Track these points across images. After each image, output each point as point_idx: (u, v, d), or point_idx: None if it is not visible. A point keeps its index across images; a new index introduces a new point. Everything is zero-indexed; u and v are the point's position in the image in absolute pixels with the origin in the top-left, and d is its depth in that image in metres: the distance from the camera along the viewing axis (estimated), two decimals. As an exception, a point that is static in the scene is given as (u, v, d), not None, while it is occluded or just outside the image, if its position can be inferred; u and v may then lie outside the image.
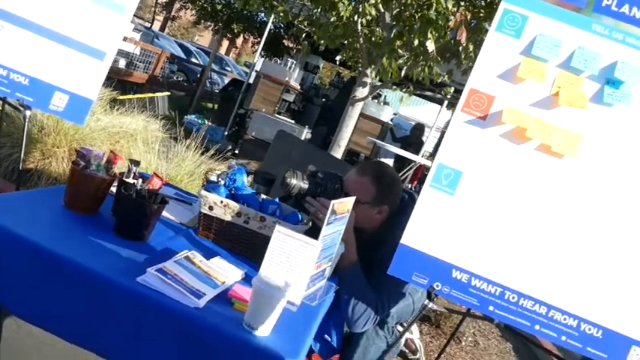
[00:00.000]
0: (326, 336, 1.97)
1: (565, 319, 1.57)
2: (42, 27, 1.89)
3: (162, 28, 21.05)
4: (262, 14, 10.73)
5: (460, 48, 3.67)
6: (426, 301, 1.68)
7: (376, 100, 9.45)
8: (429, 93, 5.41)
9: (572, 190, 1.59)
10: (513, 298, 1.59)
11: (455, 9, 3.55)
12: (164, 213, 1.69)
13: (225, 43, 23.89)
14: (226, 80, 13.76)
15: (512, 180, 1.62)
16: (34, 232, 1.31)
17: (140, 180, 1.54)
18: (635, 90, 1.58)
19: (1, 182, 2.87)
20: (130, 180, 1.54)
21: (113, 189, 1.59)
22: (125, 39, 9.36)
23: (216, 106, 11.14)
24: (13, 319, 1.63)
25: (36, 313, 1.30)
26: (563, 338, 1.58)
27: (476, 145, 1.65)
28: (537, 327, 1.58)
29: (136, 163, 1.61)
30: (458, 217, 1.62)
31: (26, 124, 1.95)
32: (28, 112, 1.90)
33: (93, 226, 1.48)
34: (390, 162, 8.18)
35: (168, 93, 8.75)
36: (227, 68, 17.82)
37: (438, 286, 1.62)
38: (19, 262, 1.28)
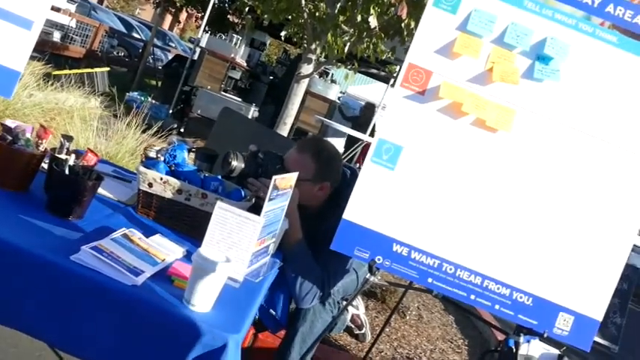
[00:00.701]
0: (271, 311, 1.99)
1: (498, 289, 1.65)
2: (-40, -7, 1.76)
3: (100, 1, 20.07)
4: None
5: (402, 25, 3.70)
6: (368, 275, 1.72)
7: (323, 79, 9.44)
8: (374, 70, 5.45)
9: (506, 163, 1.66)
10: (450, 269, 1.65)
11: (397, -15, 3.58)
12: (101, 190, 1.63)
13: (169, 18, 23.07)
14: (170, 56, 13.32)
15: (450, 154, 1.67)
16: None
17: (73, 156, 1.48)
18: (564, 66, 1.65)
19: None
20: (63, 156, 1.48)
21: (45, 165, 1.52)
22: (59, 10, 8.86)
23: (159, 83, 10.80)
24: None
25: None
26: (497, 307, 1.66)
27: (415, 120, 1.68)
28: (473, 297, 1.65)
29: (69, 138, 1.55)
30: (398, 192, 1.66)
31: (-54, 97, 1.82)
32: (-52, 85, 1.77)
33: (23, 204, 1.42)
34: (340, 141, 8.23)
35: (108, 68, 8.40)
36: (170, 44, 17.24)
37: (379, 259, 1.66)
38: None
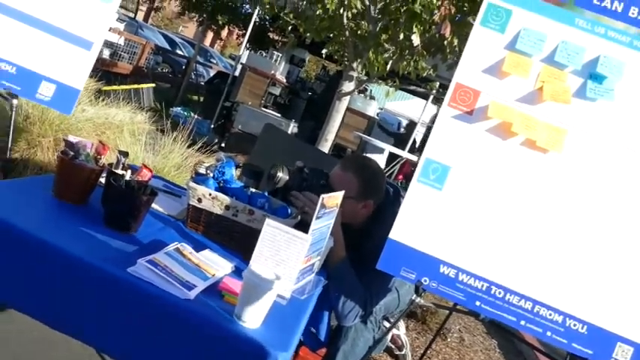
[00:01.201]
0: (312, 329, 1.99)
1: (550, 315, 1.60)
2: (30, 16, 1.87)
3: (145, 19, 20.79)
4: (247, 6, 10.68)
5: (445, 42, 3.69)
6: (414, 296, 1.71)
7: (362, 95, 9.47)
8: (414, 87, 5.44)
9: (558, 185, 1.62)
10: (500, 293, 1.62)
11: (439, 3, 3.57)
12: (153, 205, 1.68)
13: (210, 35, 23.66)
14: (211, 72, 13.65)
15: (499, 175, 1.65)
16: (23, 220, 1.30)
17: (129, 171, 1.54)
18: (618, 85, 1.62)
19: (-14, 172, 2.84)
20: (119, 171, 1.54)
21: (102, 180, 1.58)
22: (109, 29, 9.23)
23: (201, 98, 11.06)
24: None
25: (22, 301, 1.30)
26: (549, 334, 1.61)
27: (463, 139, 1.67)
28: (523, 322, 1.61)
29: (125, 154, 1.61)
30: (446, 212, 1.64)
31: (13, 113, 1.93)
32: (15, 101, 1.88)
33: (82, 217, 1.48)
34: (379, 157, 8.22)
35: (153, 84, 8.67)
36: (212, 60, 17.67)
37: (425, 281, 1.65)
38: (7, 250, 1.27)
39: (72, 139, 1.49)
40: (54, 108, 2.01)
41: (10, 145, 2.03)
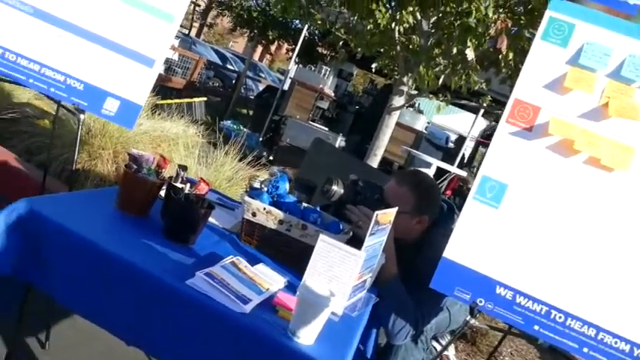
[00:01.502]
0: (360, 346, 1.97)
1: (616, 343, 1.51)
2: (97, 35, 1.96)
3: (198, 34, 21.47)
4: (297, 21, 10.85)
5: (500, 56, 3.62)
6: (468, 317, 1.66)
7: (411, 109, 9.41)
8: (465, 101, 5.35)
9: (623, 205, 1.55)
10: (560, 317, 1.55)
11: (495, 16, 3.52)
12: (209, 218, 1.72)
13: (259, 50, 24.15)
14: (260, 86, 13.92)
15: (560, 194, 1.59)
16: (88, 231, 1.36)
17: (188, 184, 1.58)
18: (692, 103, 1.54)
19: (52, 182, 2.98)
20: (179, 184, 1.58)
21: (162, 192, 1.63)
22: (166, 45, 9.56)
23: (250, 112, 11.28)
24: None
25: (85, 306, 1.35)
26: (614, 363, 1.52)
27: (521, 157, 1.62)
28: (586, 350, 1.53)
29: (184, 168, 1.65)
30: (503, 232, 1.60)
31: (80, 127, 2.02)
32: (82, 116, 1.98)
33: (143, 228, 1.53)
34: (427, 172, 8.11)
35: (205, 98, 8.91)
36: (261, 74, 18.03)
37: (481, 302, 1.60)
38: (72, 259, 1.34)
39: (135, 152, 1.55)
40: (117, 123, 2.10)
41: (75, 158, 2.12)
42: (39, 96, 3.88)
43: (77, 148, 2.06)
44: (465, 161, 10.76)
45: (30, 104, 4.06)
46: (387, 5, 4.23)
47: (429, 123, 12.90)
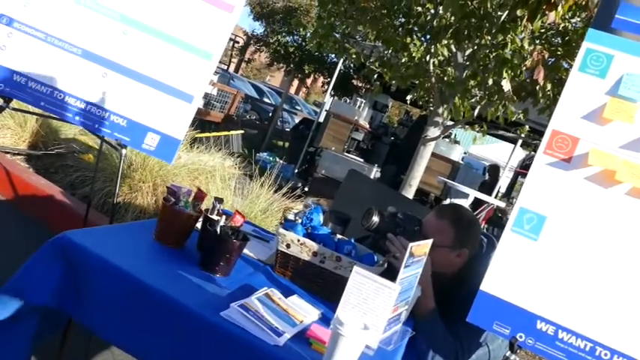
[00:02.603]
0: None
1: (666, 381, 1.44)
2: (139, 73, 2.06)
3: (236, 70, 22.09)
4: (333, 55, 11.04)
5: (537, 87, 3.58)
6: (508, 353, 1.61)
7: (447, 139, 9.35)
8: (502, 132, 5.29)
9: (670, 238, 1.49)
10: (606, 355, 1.48)
11: (531, 47, 3.50)
12: (244, 249, 1.74)
13: (295, 83, 24.62)
14: (296, 119, 14.13)
15: (601, 225, 1.54)
16: (126, 262, 1.39)
17: (224, 217, 1.61)
18: None
19: (94, 214, 3.09)
20: (215, 217, 1.61)
21: (198, 224, 1.66)
22: (205, 81, 9.88)
23: (286, 144, 11.43)
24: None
25: (122, 338, 1.37)
26: (662, 402, 1.44)
27: (560, 188, 1.59)
28: (634, 389, 1.46)
29: (220, 200, 1.69)
30: (542, 264, 1.55)
31: (122, 161, 2.10)
32: (124, 151, 2.06)
33: (179, 260, 1.56)
34: (463, 202, 7.99)
35: (242, 131, 9.10)
36: (297, 107, 18.32)
37: (521, 337, 1.55)
38: (109, 290, 1.37)
39: (174, 186, 1.59)
40: (158, 157, 2.17)
41: (117, 192, 2.20)
42: (84, 131, 4.05)
43: (118, 183, 2.13)
44: (504, 192, 10.54)
45: (76, 139, 4.25)
46: (422, 39, 4.27)
47: (465, 153, 12.78)
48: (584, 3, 2.66)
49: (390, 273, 1.53)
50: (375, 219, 1.85)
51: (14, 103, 2.15)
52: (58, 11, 2.00)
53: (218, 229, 1.54)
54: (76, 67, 2.03)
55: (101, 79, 2.03)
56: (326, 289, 1.71)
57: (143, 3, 2.05)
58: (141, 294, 1.34)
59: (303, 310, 1.50)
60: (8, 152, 3.76)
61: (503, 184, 10.42)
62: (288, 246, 1.74)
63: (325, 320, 1.50)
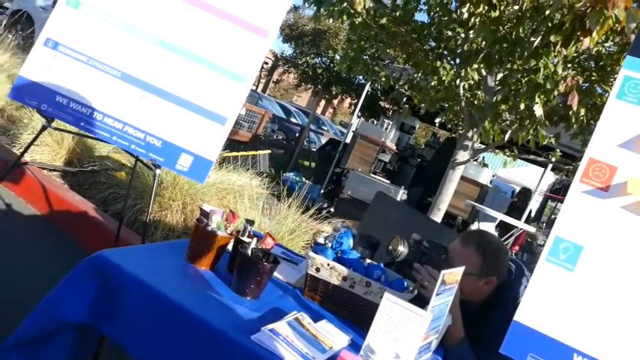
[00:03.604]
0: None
1: None
2: (175, 95, 2.11)
3: (264, 90, 22.41)
4: (361, 77, 11.11)
5: (570, 112, 3.53)
6: (542, 385, 1.56)
7: (475, 162, 9.25)
8: (534, 157, 5.21)
9: None
10: (645, 391, 1.43)
11: (564, 73, 3.46)
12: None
13: (322, 103, 24.82)
14: (323, 139, 14.20)
15: (641, 257, 1.50)
16: (159, 282, 1.41)
17: (255, 239, 1.62)
18: None
19: (125, 231, 3.15)
20: (246, 239, 1.62)
21: (229, 246, 1.68)
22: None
23: (312, 164, 11.49)
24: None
25: (152, 356, 1.38)
26: None
27: (597, 217, 1.55)
28: None
29: (251, 222, 1.70)
30: (579, 296, 1.51)
31: (155, 180, 2.14)
32: (158, 171, 2.10)
33: (211, 281, 1.57)
34: (491, 226, 7.86)
35: (269, 151, 9.19)
36: (323, 127, 18.43)
37: (556, 369, 1.50)
38: (143, 308, 1.38)
39: (206, 207, 1.61)
40: (190, 177, 2.21)
41: (149, 210, 2.24)
42: (117, 149, 4.15)
43: (152, 202, 2.17)
44: (533, 216, 10.34)
45: (109, 157, 4.35)
46: (452, 62, 4.27)
47: (493, 176, 12.61)
48: (619, 29, 2.62)
49: (420, 301, 1.51)
50: (401, 249, 1.84)
51: (54, 122, 2.23)
52: (99, 35, 2.08)
53: (249, 252, 1.55)
54: (115, 89, 2.09)
55: (139, 100, 2.09)
56: (355, 314, 1.70)
57: (181, 28, 2.11)
58: (172, 314, 1.35)
59: (333, 336, 1.49)
60: (45, 168, 3.87)
61: (533, 207, 10.22)
62: (317, 270, 1.73)
63: (355, 346, 1.48)
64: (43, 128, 2.17)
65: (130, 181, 3.07)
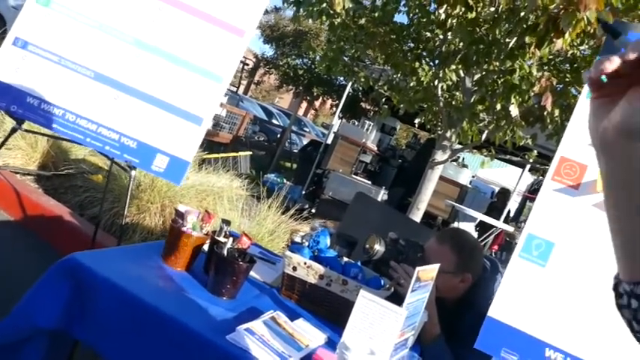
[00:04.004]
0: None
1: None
2: (150, 96, 2.09)
3: (245, 91, 22.34)
4: (342, 78, 11.15)
5: (545, 113, 3.59)
6: (516, 380, 1.59)
7: (455, 163, 9.34)
8: (510, 157, 5.29)
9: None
10: (615, 383, 1.46)
11: (539, 74, 3.52)
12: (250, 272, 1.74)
13: (304, 105, 24.82)
14: (304, 140, 14.21)
15: (610, 252, 1.53)
16: (133, 284, 1.39)
17: (231, 239, 1.61)
18: None
19: (102, 235, 3.10)
20: (222, 239, 1.61)
21: (205, 247, 1.67)
22: (214, 103, 9.99)
23: (294, 165, 11.48)
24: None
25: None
26: None
27: (568, 215, 1.59)
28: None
29: (227, 222, 1.69)
30: (551, 291, 1.54)
31: (131, 183, 2.12)
32: (133, 172, 2.07)
33: (187, 282, 1.56)
34: (470, 226, 7.94)
35: (250, 152, 9.15)
36: (305, 129, 18.43)
37: (529, 364, 1.53)
38: (117, 311, 1.36)
39: (182, 208, 1.60)
40: (166, 179, 2.19)
41: (125, 213, 2.21)
42: (93, 152, 4.10)
43: (127, 204, 2.15)
44: (512, 216, 10.48)
45: (85, 160, 4.29)
46: (430, 63, 4.31)
47: (473, 177, 12.74)
48: (592, 31, 2.68)
49: (396, 300, 1.52)
50: (378, 247, 1.84)
51: (26, 125, 2.18)
52: (71, 34, 2.05)
53: (225, 252, 1.54)
54: (88, 90, 2.06)
55: (113, 101, 2.06)
56: (332, 312, 1.70)
57: (156, 27, 2.09)
58: (146, 316, 1.33)
59: (309, 334, 1.49)
60: (18, 172, 3.80)
61: (512, 208, 10.36)
62: (294, 269, 1.73)
63: (331, 344, 1.49)
64: (13, 130, 2.12)
65: (106, 183, 3.04)
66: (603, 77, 0.55)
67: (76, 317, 1.38)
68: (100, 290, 1.37)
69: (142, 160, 2.07)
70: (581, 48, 3.76)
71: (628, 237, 0.61)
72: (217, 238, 1.63)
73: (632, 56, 0.53)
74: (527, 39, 2.97)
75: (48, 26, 2.01)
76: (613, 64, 0.54)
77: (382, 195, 8.18)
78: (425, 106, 4.59)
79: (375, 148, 9.90)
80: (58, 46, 2.03)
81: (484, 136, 4.18)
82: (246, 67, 17.11)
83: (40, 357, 1.43)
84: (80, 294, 1.38)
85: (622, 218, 0.61)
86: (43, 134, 3.08)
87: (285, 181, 8.41)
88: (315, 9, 3.86)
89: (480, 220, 7.82)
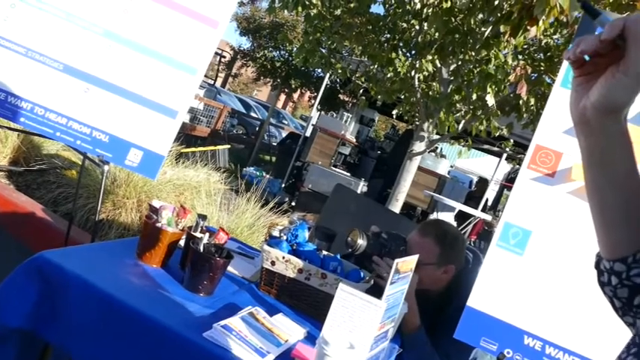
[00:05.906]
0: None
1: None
2: (121, 88, 2.03)
3: (223, 84, 22.11)
4: (320, 70, 11.09)
5: (520, 101, 3.62)
6: (496, 369, 1.60)
7: (433, 153, 9.41)
8: (487, 146, 5.34)
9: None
10: (593, 369, 1.48)
11: (514, 63, 3.54)
12: (228, 267, 1.71)
13: (283, 97, 24.69)
14: (283, 133, 14.14)
15: (586, 240, 1.55)
16: (106, 282, 1.35)
17: (207, 234, 1.58)
18: None
19: (77, 232, 3.03)
20: (198, 234, 1.58)
21: (181, 242, 1.63)
22: (190, 95, 9.86)
23: (273, 158, 11.42)
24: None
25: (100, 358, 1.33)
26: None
27: (544, 203, 1.59)
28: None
29: (204, 217, 1.66)
30: (528, 279, 1.55)
31: (104, 178, 2.06)
32: (106, 167, 2.02)
33: (162, 279, 1.52)
34: (449, 216, 8.01)
35: (229, 146, 9.07)
36: (284, 122, 18.35)
37: (508, 353, 1.54)
38: (89, 310, 1.33)
39: (156, 203, 1.56)
40: (140, 173, 2.14)
41: (99, 209, 2.16)
42: (67, 147, 4.00)
43: (100, 199, 2.09)
44: (490, 205, 10.61)
45: (59, 155, 4.19)
46: (407, 54, 4.31)
47: (452, 167, 12.85)
48: (565, 20, 2.70)
49: (376, 292, 1.51)
50: (362, 242, 1.83)
51: (-6, 119, 2.11)
52: (39, 26, 1.98)
53: (201, 247, 1.51)
54: (57, 82, 2.00)
55: (83, 94, 2.00)
56: (312, 306, 1.69)
57: (128, 18, 2.04)
58: (121, 315, 1.30)
59: (289, 329, 1.47)
60: (-12, 169, 3.70)
61: (489, 197, 10.49)
62: (273, 263, 1.71)
63: (311, 339, 1.48)
64: (-20, 125, 2.05)
65: (78, 179, 2.96)
66: (586, 56, 0.56)
67: (46, 317, 1.34)
68: (70, 289, 1.33)
69: (115, 154, 2.01)
70: (555, 37, 3.79)
71: (606, 211, 0.63)
72: (193, 233, 1.60)
73: (610, 35, 0.54)
74: (501, 28, 2.98)
75: (14, 17, 1.94)
76: (592, 44, 0.56)
77: (362, 187, 8.20)
78: (402, 97, 4.60)
79: (354, 140, 9.91)
80: (25, 38, 1.96)
81: (461, 126, 4.20)
82: (223, 59, 16.91)
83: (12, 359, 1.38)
84: (50, 294, 1.34)
85: (600, 192, 0.63)
86: (12, 129, 2.99)
87: (264, 174, 8.37)
88: (290, 0, 3.82)
89: (459, 210, 7.90)
